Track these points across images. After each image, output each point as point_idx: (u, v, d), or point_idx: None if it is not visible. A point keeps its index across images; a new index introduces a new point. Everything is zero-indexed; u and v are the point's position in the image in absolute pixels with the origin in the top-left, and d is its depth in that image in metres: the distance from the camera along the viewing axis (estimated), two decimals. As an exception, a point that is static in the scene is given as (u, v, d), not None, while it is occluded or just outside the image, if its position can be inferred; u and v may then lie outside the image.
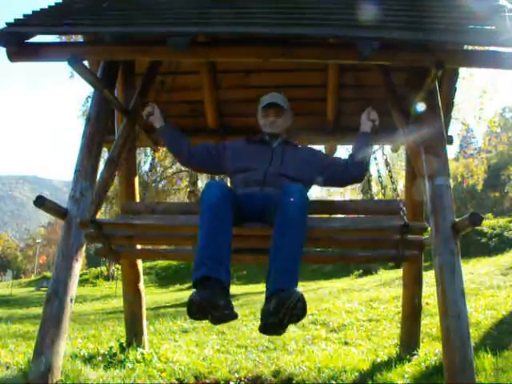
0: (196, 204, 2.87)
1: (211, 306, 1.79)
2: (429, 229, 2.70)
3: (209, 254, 1.90)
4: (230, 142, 2.88)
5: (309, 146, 3.01)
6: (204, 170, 3.17)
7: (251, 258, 2.74)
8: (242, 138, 2.90)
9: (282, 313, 1.81)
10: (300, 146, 2.78)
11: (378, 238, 2.52)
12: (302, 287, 11.70)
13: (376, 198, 18.39)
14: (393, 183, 2.83)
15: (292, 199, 2.02)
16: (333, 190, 22.12)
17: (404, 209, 2.46)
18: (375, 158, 2.93)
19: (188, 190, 15.90)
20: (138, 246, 3.28)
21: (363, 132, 2.70)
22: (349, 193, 20.18)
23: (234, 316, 1.87)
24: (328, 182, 2.70)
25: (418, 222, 2.90)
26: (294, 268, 1.95)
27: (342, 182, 2.78)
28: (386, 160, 2.92)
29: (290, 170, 2.50)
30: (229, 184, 2.69)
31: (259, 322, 1.88)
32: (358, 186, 17.83)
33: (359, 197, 17.51)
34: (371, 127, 2.69)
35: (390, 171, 2.89)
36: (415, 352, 3.90)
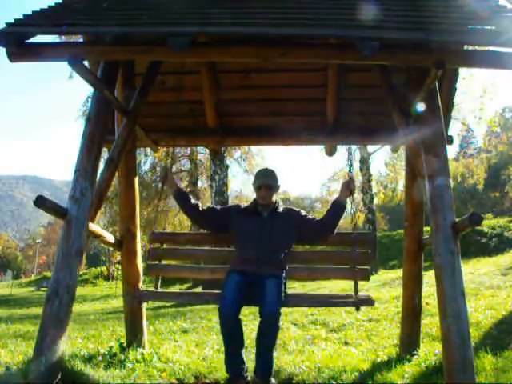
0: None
1: None
2: (428, 228, 2.71)
3: (232, 361, 2.90)
4: (232, 211, 3.29)
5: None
6: (214, 231, 3.46)
7: None
8: (240, 207, 3.33)
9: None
10: (285, 211, 3.22)
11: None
12: (302, 287, 11.72)
13: (376, 198, 18.41)
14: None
15: (270, 311, 2.73)
16: (332, 189, 22.14)
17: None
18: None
19: (188, 190, 15.91)
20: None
21: (339, 202, 3.16)
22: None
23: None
24: (304, 240, 3.34)
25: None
26: (271, 359, 2.95)
27: (314, 241, 3.44)
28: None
29: (278, 240, 3.09)
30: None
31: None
32: (357, 185, 17.84)
33: (359, 196, 17.50)
34: (347, 197, 3.14)
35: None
36: (415, 352, 3.89)
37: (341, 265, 3.54)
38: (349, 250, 3.42)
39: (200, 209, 3.23)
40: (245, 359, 2.94)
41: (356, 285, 3.21)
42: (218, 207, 3.58)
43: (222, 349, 4.64)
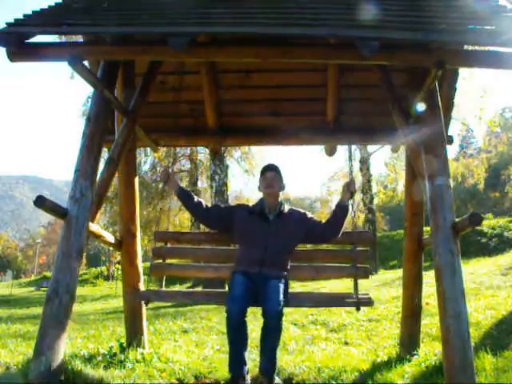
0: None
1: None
2: (428, 228, 2.71)
3: (235, 361, 2.94)
4: (236, 211, 3.25)
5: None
6: (218, 230, 3.47)
7: None
8: (246, 208, 3.29)
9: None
10: (291, 214, 3.20)
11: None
12: (302, 287, 11.73)
13: (376, 198, 18.41)
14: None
15: (273, 312, 2.78)
16: (332, 189, 22.13)
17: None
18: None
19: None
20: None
21: (342, 204, 3.16)
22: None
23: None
24: (310, 242, 3.39)
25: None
26: (274, 357, 2.96)
27: (319, 242, 3.47)
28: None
29: (284, 242, 3.09)
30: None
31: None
32: (357, 186, 17.84)
33: (359, 196, 17.51)
34: (348, 199, 3.16)
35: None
36: (415, 352, 3.89)
37: (341, 263, 3.57)
38: (349, 248, 3.47)
39: (204, 207, 3.24)
40: (247, 360, 3.01)
41: (356, 283, 3.23)
42: (223, 206, 3.59)
43: (222, 349, 4.66)
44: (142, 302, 4.18)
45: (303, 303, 3.34)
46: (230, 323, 2.83)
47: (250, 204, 3.44)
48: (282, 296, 2.85)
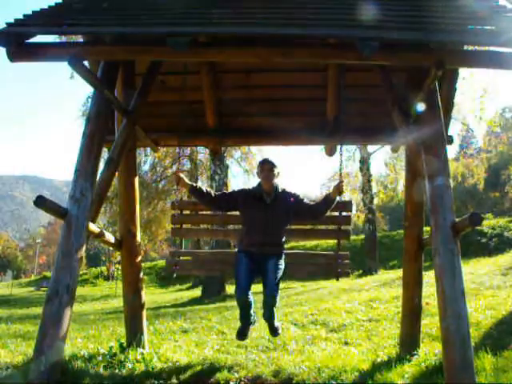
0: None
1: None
2: (428, 228, 2.71)
3: (244, 318, 3.54)
4: (239, 194, 3.63)
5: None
6: (226, 212, 4.02)
7: None
8: (246, 191, 3.60)
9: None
10: (284, 195, 3.56)
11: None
12: (302, 287, 11.73)
13: (376, 198, 18.41)
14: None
15: (272, 283, 3.37)
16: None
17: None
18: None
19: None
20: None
21: (330, 198, 3.55)
22: (349, 193, 20.14)
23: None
24: (299, 220, 4.02)
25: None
26: (273, 311, 3.53)
27: (305, 221, 4.24)
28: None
29: (280, 222, 3.56)
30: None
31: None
32: (358, 186, 17.85)
33: (359, 196, 17.51)
34: (336, 196, 3.53)
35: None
36: (415, 352, 3.89)
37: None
38: (336, 214, 4.05)
39: (213, 195, 3.59)
40: (252, 316, 3.58)
41: (339, 243, 4.05)
42: (227, 192, 4.06)
43: (222, 349, 4.69)
44: (144, 304, 4.19)
45: (294, 275, 4.16)
46: (239, 302, 3.39)
47: (251, 187, 3.78)
48: (279, 270, 3.45)
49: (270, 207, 3.54)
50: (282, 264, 3.53)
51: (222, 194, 3.77)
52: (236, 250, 3.76)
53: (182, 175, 3.56)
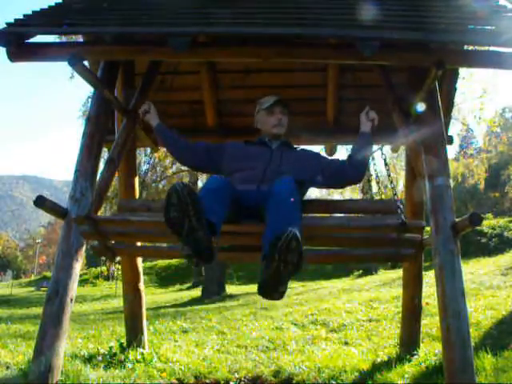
0: None
1: (190, 211, 1.80)
2: (428, 228, 2.71)
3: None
4: (228, 143, 2.90)
5: (307, 147, 2.96)
6: (201, 169, 3.25)
7: (248, 257, 2.83)
8: (240, 141, 2.91)
9: (276, 259, 1.73)
10: (299, 149, 2.83)
11: (375, 236, 2.52)
12: (302, 287, 11.72)
13: (376, 197, 18.41)
14: (391, 182, 2.84)
15: (283, 185, 2.09)
16: (333, 189, 22.12)
17: (402, 207, 2.47)
18: (373, 158, 2.92)
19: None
20: (138, 244, 3.27)
21: (363, 132, 2.75)
22: (349, 193, 20.17)
23: (208, 242, 1.84)
24: (326, 183, 2.71)
25: (415, 220, 2.89)
26: (292, 217, 1.94)
27: (340, 184, 2.86)
28: (385, 160, 2.92)
29: (289, 169, 2.46)
30: None
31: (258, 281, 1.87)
32: (358, 185, 17.83)
33: (359, 196, 17.52)
34: (371, 127, 2.75)
35: (388, 170, 2.89)
36: (415, 352, 3.89)
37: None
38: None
39: (188, 142, 2.76)
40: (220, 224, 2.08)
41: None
42: (213, 143, 3.00)
43: (222, 349, 4.66)
44: (144, 304, 4.19)
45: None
46: (205, 188, 2.16)
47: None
48: (293, 188, 2.10)
49: (276, 152, 2.60)
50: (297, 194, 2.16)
51: (202, 142, 2.82)
52: None
53: (152, 106, 2.82)
